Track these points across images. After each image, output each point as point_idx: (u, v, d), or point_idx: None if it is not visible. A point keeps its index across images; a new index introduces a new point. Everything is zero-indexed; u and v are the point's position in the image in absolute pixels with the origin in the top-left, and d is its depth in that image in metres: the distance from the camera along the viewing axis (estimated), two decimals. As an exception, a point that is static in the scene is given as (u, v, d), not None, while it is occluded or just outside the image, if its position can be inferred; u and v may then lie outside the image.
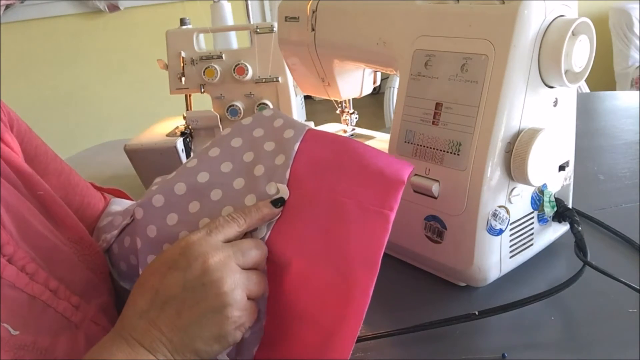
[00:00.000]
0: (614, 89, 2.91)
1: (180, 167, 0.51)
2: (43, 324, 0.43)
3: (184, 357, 0.40)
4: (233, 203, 0.48)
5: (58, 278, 0.46)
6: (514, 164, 0.54)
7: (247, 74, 0.99)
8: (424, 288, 0.62)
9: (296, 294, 0.44)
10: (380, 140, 0.85)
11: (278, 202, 0.47)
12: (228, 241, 0.43)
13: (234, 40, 1.28)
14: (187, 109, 1.06)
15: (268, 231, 0.47)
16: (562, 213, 0.62)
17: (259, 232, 0.47)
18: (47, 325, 0.44)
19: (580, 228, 0.59)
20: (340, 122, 0.90)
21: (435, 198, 0.58)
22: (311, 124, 1.06)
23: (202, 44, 1.07)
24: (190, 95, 1.07)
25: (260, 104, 1.01)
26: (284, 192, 0.48)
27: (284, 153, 0.49)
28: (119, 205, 0.62)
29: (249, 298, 0.42)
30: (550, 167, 0.57)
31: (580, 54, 0.54)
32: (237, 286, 0.41)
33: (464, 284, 0.60)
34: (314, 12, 0.74)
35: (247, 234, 0.46)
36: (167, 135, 1.01)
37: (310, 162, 0.49)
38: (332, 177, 0.47)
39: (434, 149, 0.58)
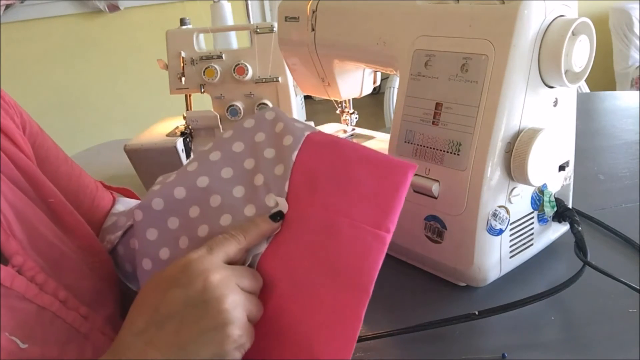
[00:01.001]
0: (614, 89, 2.91)
1: (181, 170, 0.51)
2: (51, 335, 0.43)
3: None
4: (232, 211, 0.47)
5: (67, 287, 0.46)
6: (514, 164, 0.54)
7: (247, 74, 0.99)
8: (424, 288, 0.62)
9: (281, 316, 0.43)
10: (380, 140, 0.85)
11: (277, 216, 0.45)
12: (228, 259, 0.42)
13: (234, 40, 1.28)
14: (187, 109, 1.06)
15: (267, 245, 0.45)
16: (562, 213, 0.62)
17: (259, 247, 0.45)
18: (55, 337, 0.43)
19: (580, 228, 0.59)
20: (340, 122, 0.90)
21: (435, 198, 0.58)
22: (311, 124, 1.06)
23: (202, 44, 1.07)
24: (190, 95, 1.07)
25: (260, 104, 1.01)
26: (283, 206, 0.46)
27: (283, 163, 0.48)
28: (123, 205, 0.62)
29: (248, 319, 0.41)
30: (550, 167, 0.57)
31: (580, 54, 0.54)
32: (238, 305, 0.40)
33: (464, 284, 0.60)
34: (314, 12, 0.74)
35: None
36: (167, 135, 1.01)
37: (307, 175, 0.47)
38: (328, 192, 0.46)
39: (434, 149, 0.58)
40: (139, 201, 0.62)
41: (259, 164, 0.49)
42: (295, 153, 0.48)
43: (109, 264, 0.54)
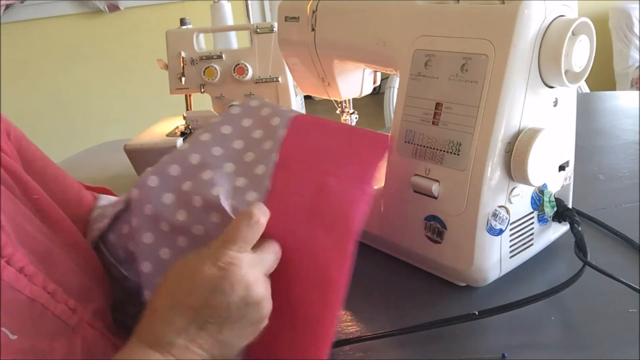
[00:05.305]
0: (614, 89, 2.91)
1: (173, 151, 0.54)
2: (41, 327, 0.43)
3: None
4: (223, 184, 0.50)
5: (55, 281, 0.46)
6: (514, 164, 0.54)
7: (247, 74, 0.99)
8: (424, 288, 0.62)
9: (280, 275, 0.45)
10: (380, 140, 0.85)
11: None
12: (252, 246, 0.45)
13: (234, 40, 1.28)
14: (187, 109, 1.07)
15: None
16: (562, 213, 0.62)
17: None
18: (44, 329, 0.43)
19: (580, 228, 0.59)
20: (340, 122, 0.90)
21: (435, 198, 0.58)
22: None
23: (202, 44, 1.07)
24: (190, 95, 1.07)
25: (260, 104, 1.01)
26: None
27: (271, 139, 0.52)
28: (106, 200, 0.64)
29: None
30: (550, 167, 0.57)
31: (580, 54, 0.54)
32: (269, 296, 0.43)
33: (464, 284, 0.60)
34: (314, 12, 0.74)
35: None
36: (167, 135, 1.01)
37: (296, 146, 0.52)
38: (316, 158, 0.51)
39: (434, 149, 0.58)
40: (119, 197, 0.64)
41: (248, 144, 0.53)
42: (284, 130, 0.53)
43: (94, 260, 0.54)
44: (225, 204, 0.48)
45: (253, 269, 0.42)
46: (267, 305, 0.43)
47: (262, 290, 0.42)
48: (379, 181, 0.52)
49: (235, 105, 0.56)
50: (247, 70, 0.99)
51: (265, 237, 0.46)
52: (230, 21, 1.29)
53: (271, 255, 0.45)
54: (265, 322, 0.43)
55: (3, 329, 0.39)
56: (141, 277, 0.50)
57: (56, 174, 0.58)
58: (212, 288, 0.40)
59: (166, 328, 0.40)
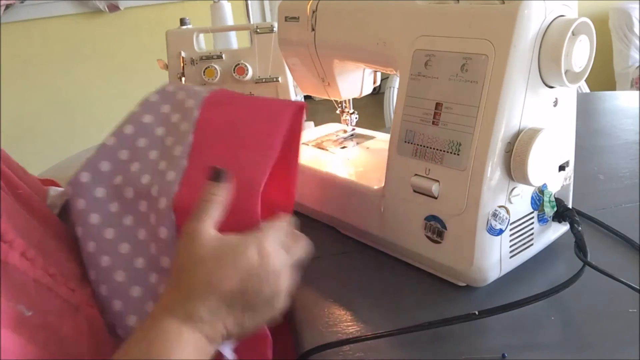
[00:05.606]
0: (614, 89, 2.91)
1: (101, 146, 0.56)
2: (49, 305, 0.45)
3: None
4: (149, 172, 0.53)
5: (53, 267, 0.48)
6: (514, 164, 0.54)
7: (247, 74, 0.99)
8: (424, 288, 0.62)
9: None
10: (380, 140, 0.85)
11: (218, 177, 0.48)
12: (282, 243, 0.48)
13: (234, 40, 1.28)
14: (187, 109, 1.06)
15: (178, 186, 0.51)
16: (562, 213, 0.62)
17: (172, 188, 0.50)
18: (52, 307, 0.45)
19: (580, 228, 0.59)
20: (340, 122, 0.90)
21: (435, 198, 0.58)
22: (311, 124, 1.06)
23: (202, 44, 1.07)
24: (190, 95, 1.07)
25: (260, 104, 1.01)
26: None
27: (187, 121, 0.55)
28: (54, 191, 0.66)
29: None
30: (550, 167, 0.57)
31: (580, 54, 0.54)
32: (288, 291, 0.47)
33: (464, 284, 0.60)
34: (314, 12, 0.74)
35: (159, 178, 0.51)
36: (167, 135, 1.01)
37: (210, 125, 0.55)
38: (228, 133, 0.54)
39: (434, 149, 0.58)
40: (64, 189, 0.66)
41: (168, 129, 0.56)
42: (197, 110, 0.55)
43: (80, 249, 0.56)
44: (152, 190, 0.51)
45: (285, 266, 0.47)
46: (286, 298, 0.47)
47: (287, 283, 0.46)
48: (299, 147, 0.57)
49: (154, 93, 0.59)
50: (247, 70, 0.99)
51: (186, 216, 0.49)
52: (230, 21, 1.29)
53: (300, 251, 0.50)
54: (279, 312, 0.47)
55: (19, 306, 0.41)
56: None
57: (24, 170, 0.60)
58: (251, 273, 0.43)
59: (202, 306, 0.42)
